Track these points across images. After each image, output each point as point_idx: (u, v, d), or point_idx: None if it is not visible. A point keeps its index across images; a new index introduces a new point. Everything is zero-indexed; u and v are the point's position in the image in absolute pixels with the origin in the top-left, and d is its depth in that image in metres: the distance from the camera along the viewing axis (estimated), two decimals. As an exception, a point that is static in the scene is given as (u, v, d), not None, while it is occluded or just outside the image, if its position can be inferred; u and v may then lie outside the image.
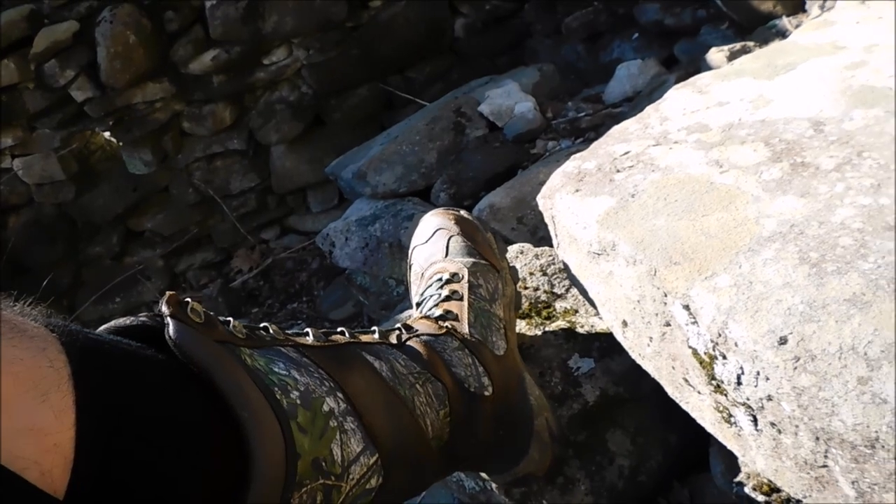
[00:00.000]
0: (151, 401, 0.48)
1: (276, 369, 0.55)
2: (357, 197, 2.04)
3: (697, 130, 0.84)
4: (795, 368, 0.56)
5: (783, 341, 0.58)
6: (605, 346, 0.94)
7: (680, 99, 0.94)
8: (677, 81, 1.57)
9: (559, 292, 1.04)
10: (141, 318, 0.52)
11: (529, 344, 0.96)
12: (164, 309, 0.51)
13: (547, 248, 1.10)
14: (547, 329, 0.99)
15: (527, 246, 1.11)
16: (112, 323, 0.53)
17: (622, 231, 0.74)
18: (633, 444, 0.87)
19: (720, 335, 0.63)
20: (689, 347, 0.68)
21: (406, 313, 1.12)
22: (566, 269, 0.92)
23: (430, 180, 1.81)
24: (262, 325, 0.61)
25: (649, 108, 0.96)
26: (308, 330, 0.65)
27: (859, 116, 0.76)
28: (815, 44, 0.94)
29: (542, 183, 1.38)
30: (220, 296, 2.88)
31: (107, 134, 2.94)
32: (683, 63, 1.80)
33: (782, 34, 1.43)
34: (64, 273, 3.01)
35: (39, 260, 2.91)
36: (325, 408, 0.56)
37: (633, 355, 0.81)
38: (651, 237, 0.72)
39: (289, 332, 0.64)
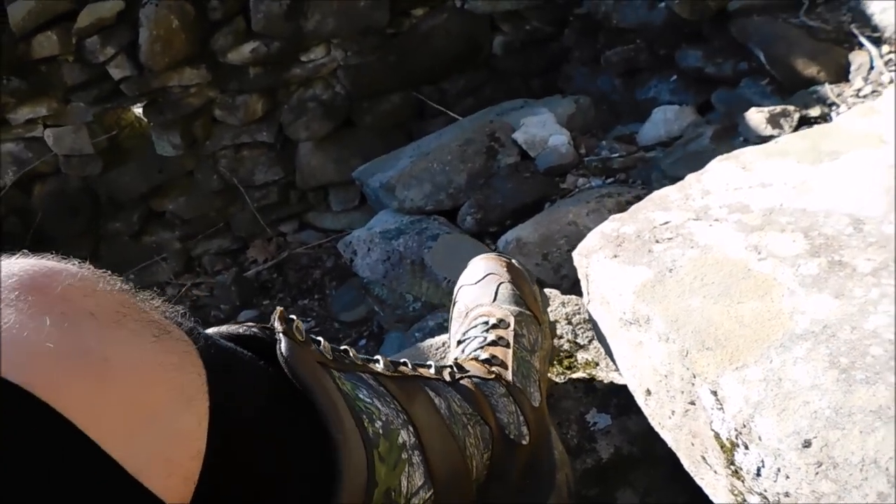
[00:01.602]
0: (266, 416, 0.52)
1: (362, 395, 0.59)
2: (382, 208, 2.07)
3: (738, 210, 0.86)
4: (817, 473, 0.59)
5: (807, 444, 0.60)
6: (622, 403, 0.96)
7: (723, 172, 0.96)
8: (714, 135, 1.59)
9: (582, 343, 1.06)
10: (253, 330, 0.56)
11: (550, 393, 0.98)
12: (278, 326, 0.55)
13: (574, 296, 1.12)
14: (567, 379, 1.01)
15: (554, 292, 1.14)
16: (226, 328, 0.57)
17: (657, 306, 0.76)
18: (642, 505, 0.89)
19: (745, 426, 0.65)
20: (712, 430, 0.70)
21: (442, 340, 1.14)
22: (591, 321, 0.94)
23: (458, 202, 1.84)
24: (342, 347, 0.64)
25: (691, 178, 0.98)
26: (378, 357, 0.68)
27: (899, 220, 0.77)
28: (860, 133, 0.96)
29: (571, 223, 1.41)
30: (233, 284, 2.92)
31: (138, 111, 2.98)
32: (720, 112, 1.82)
33: (823, 101, 1.45)
34: (82, 246, 3.04)
35: (60, 230, 2.95)
36: (400, 440, 0.59)
37: (653, 422, 0.84)
38: (685, 317, 0.74)
39: (361, 356, 0.67)
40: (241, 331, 0.56)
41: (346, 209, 3.07)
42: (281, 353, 0.53)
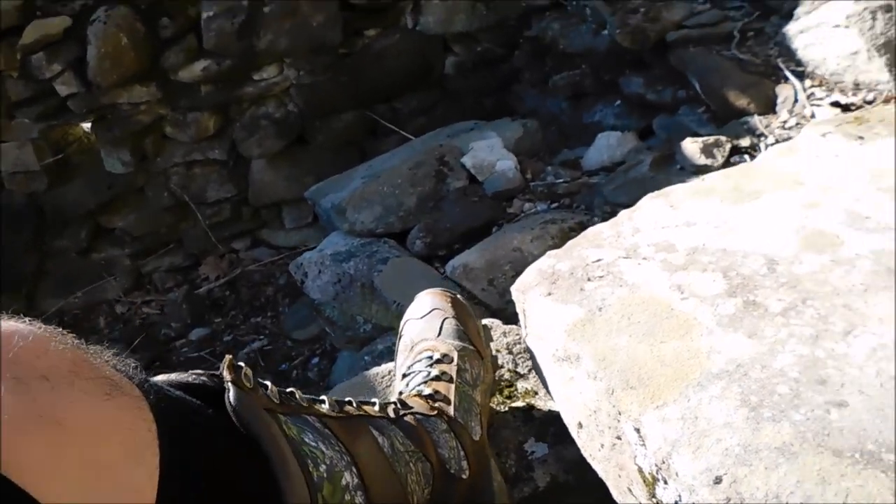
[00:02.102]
0: (216, 464, 0.54)
1: (307, 440, 0.61)
2: (333, 228, 2.08)
3: (665, 249, 0.91)
4: (727, 509, 0.63)
5: (718, 480, 0.64)
6: (559, 432, 1.00)
7: (652, 210, 1.01)
8: (652, 162, 1.66)
9: (522, 372, 1.10)
10: (202, 378, 0.59)
11: (490, 423, 1.01)
12: (226, 374, 0.57)
13: (515, 326, 1.16)
14: (508, 408, 1.04)
15: (496, 322, 1.17)
16: (176, 377, 0.59)
17: (587, 345, 0.80)
18: (577, 531, 0.93)
19: (664, 462, 0.69)
20: (636, 464, 0.74)
21: (388, 369, 1.17)
22: (529, 351, 0.98)
23: (408, 224, 1.87)
24: (288, 389, 0.67)
25: (623, 215, 1.02)
26: (324, 398, 0.71)
27: (808, 261, 0.83)
28: (779, 173, 1.02)
29: (516, 249, 1.45)
30: (184, 302, 2.89)
31: (86, 126, 2.93)
32: (661, 138, 1.89)
33: (753, 132, 1.52)
34: (27, 262, 2.97)
35: (3, 247, 2.88)
36: (344, 482, 0.62)
37: (585, 454, 0.88)
38: (612, 355, 0.78)
39: (306, 396, 0.70)
40: (190, 379, 0.58)
41: (299, 226, 3.07)
42: (229, 402, 0.56)
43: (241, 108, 2.84)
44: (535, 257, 1.52)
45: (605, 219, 1.60)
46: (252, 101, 2.83)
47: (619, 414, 0.75)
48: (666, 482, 0.69)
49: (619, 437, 0.77)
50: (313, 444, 0.62)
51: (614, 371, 0.76)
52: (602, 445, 0.81)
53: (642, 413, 0.72)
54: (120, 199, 2.97)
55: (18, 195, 2.87)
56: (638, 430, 0.72)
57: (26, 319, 0.49)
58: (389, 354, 1.65)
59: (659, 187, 1.35)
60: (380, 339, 1.63)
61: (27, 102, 2.64)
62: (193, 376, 0.59)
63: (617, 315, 0.83)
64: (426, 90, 2.92)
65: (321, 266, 1.90)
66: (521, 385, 1.08)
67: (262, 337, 2.74)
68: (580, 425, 0.85)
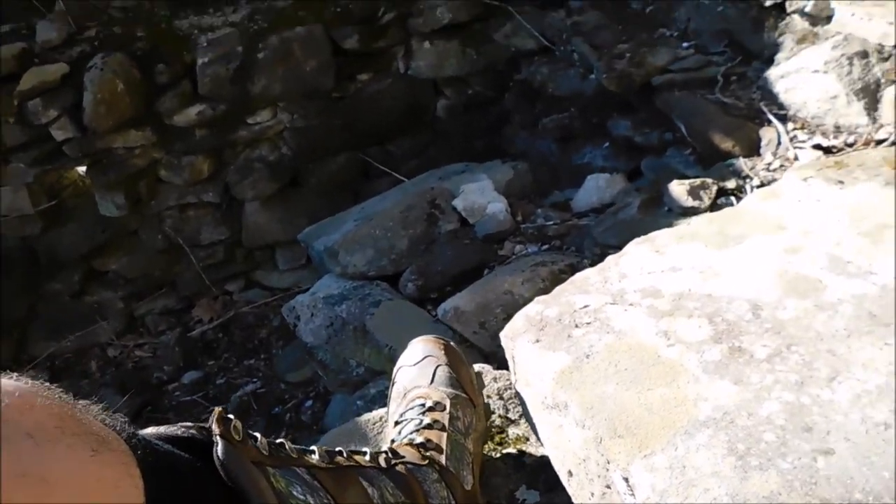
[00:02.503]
0: None
1: (295, 493, 0.62)
2: (326, 271, 2.09)
3: (651, 295, 0.92)
4: (716, 560, 0.63)
5: (708, 531, 0.64)
6: (550, 479, 1.00)
7: (638, 255, 1.02)
8: (641, 204, 1.68)
9: (513, 418, 1.10)
10: (191, 431, 0.59)
11: (481, 470, 1.01)
12: (215, 428, 0.58)
13: (505, 371, 1.16)
14: (498, 455, 1.04)
15: (487, 367, 1.17)
16: (164, 429, 0.59)
17: (575, 393, 0.81)
18: (569, 581, 0.92)
19: (653, 512, 0.69)
20: (626, 513, 0.74)
21: (380, 415, 1.16)
22: (519, 396, 0.98)
23: (400, 267, 1.88)
24: (278, 441, 0.68)
25: (610, 260, 1.04)
26: (314, 448, 0.72)
27: (792, 306, 0.84)
28: (762, 218, 1.03)
29: (507, 292, 1.45)
30: (177, 344, 2.87)
31: (81, 170, 2.95)
32: (649, 179, 1.92)
33: (739, 174, 1.55)
34: (18, 306, 2.96)
35: (-5, 290, 2.87)
36: None
37: (576, 501, 0.87)
38: (600, 404, 0.78)
39: (296, 447, 0.70)
40: (179, 433, 0.59)
41: (292, 267, 3.08)
42: (217, 456, 0.56)
43: (235, 152, 2.88)
44: (526, 300, 1.53)
45: (594, 261, 1.62)
46: (246, 145, 2.86)
47: (608, 463, 0.75)
48: (655, 533, 0.69)
49: (608, 486, 0.77)
50: (301, 497, 0.62)
51: (602, 419, 0.77)
52: (592, 494, 0.81)
53: (630, 462, 0.72)
54: (114, 242, 2.97)
55: (12, 239, 2.88)
56: (626, 480, 0.72)
57: (13, 375, 0.49)
58: (382, 399, 1.64)
59: (648, 229, 1.36)
60: (372, 383, 1.63)
61: (23, 147, 2.66)
62: (182, 430, 0.59)
63: (604, 362, 0.83)
64: (418, 132, 2.96)
65: (314, 309, 1.90)
66: (511, 431, 1.07)
67: (255, 380, 2.72)
68: (570, 473, 0.85)
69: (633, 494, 0.72)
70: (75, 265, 2.99)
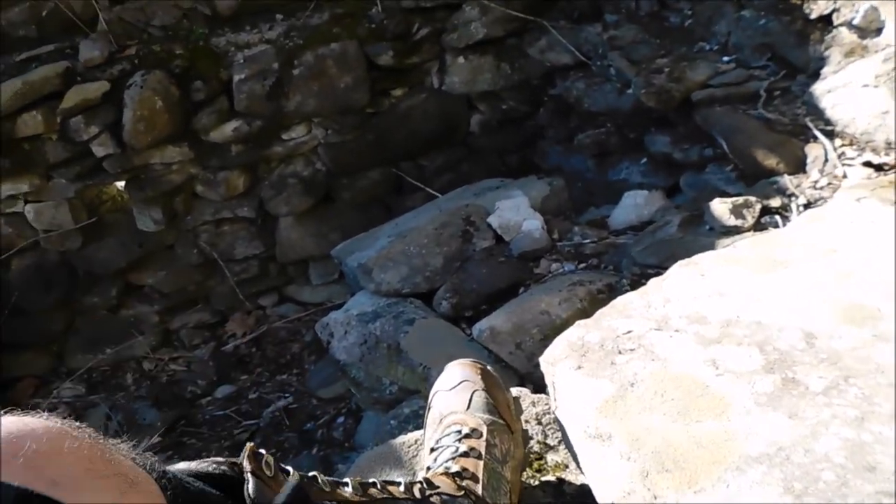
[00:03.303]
0: None
1: None
2: (359, 287, 2.08)
3: (697, 321, 0.89)
4: None
5: (763, 575, 0.61)
6: (592, 509, 0.97)
7: (683, 279, 0.99)
8: (681, 223, 1.64)
9: (552, 444, 1.07)
10: (223, 468, 0.58)
11: (519, 499, 0.98)
12: (246, 465, 0.57)
13: (544, 395, 1.14)
14: (537, 483, 1.01)
15: (524, 391, 1.15)
16: (196, 465, 0.59)
17: (619, 424, 0.78)
18: None
19: (705, 552, 0.66)
20: (675, 552, 0.71)
21: (414, 438, 1.14)
22: (559, 422, 0.95)
23: (434, 285, 1.86)
24: (311, 473, 0.66)
25: (653, 284, 1.01)
26: (348, 480, 0.70)
27: (848, 335, 0.80)
28: (809, 241, 1.00)
29: (543, 312, 1.42)
30: (211, 359, 2.89)
31: (120, 185, 3.00)
32: (688, 196, 1.88)
33: (783, 192, 1.50)
34: (57, 319, 3.01)
35: (35, 304, 2.92)
36: None
37: (620, 535, 0.84)
38: (646, 436, 0.75)
39: (329, 479, 0.69)
40: (210, 469, 0.58)
41: (325, 282, 3.08)
42: (248, 494, 0.55)
43: (270, 167, 2.90)
44: (563, 320, 1.50)
45: (633, 281, 1.59)
46: (280, 160, 2.88)
47: (655, 498, 0.72)
48: (707, 574, 0.66)
49: (655, 522, 0.74)
50: None
51: (648, 452, 0.74)
52: (637, 529, 0.78)
53: (679, 498, 0.69)
54: (150, 256, 3.01)
55: (52, 253, 2.93)
56: (676, 517, 0.69)
57: (45, 414, 0.49)
58: (416, 419, 1.62)
59: (688, 249, 1.33)
60: (406, 403, 1.61)
61: (64, 163, 2.71)
62: (213, 466, 0.58)
63: (649, 392, 0.80)
64: (451, 148, 2.95)
65: (347, 326, 1.89)
66: (550, 458, 1.05)
67: (287, 395, 2.72)
68: (614, 506, 0.82)
69: (682, 533, 0.69)
70: (112, 279, 3.03)
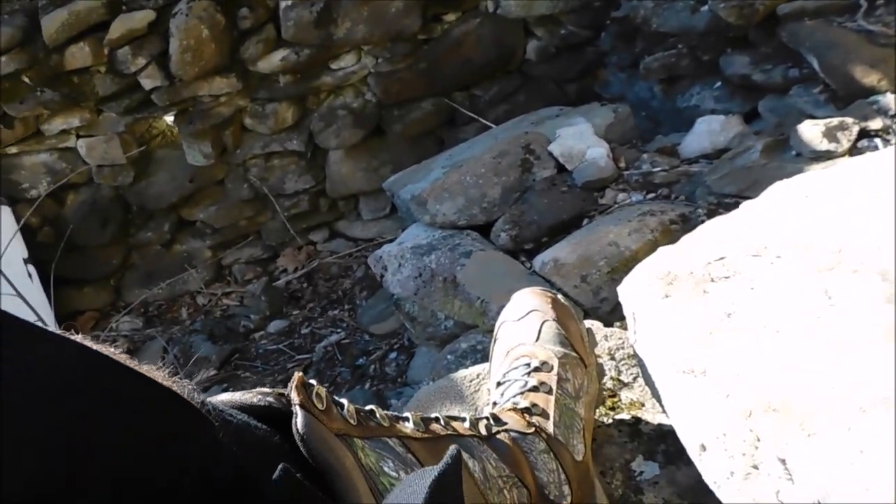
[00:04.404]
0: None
1: (386, 469, 0.54)
2: (413, 220, 2.01)
3: (803, 247, 0.79)
4: (911, 567, 0.51)
5: (897, 531, 0.53)
6: (671, 451, 0.89)
7: (781, 202, 0.88)
8: (764, 148, 1.50)
9: (626, 380, 0.99)
10: (269, 399, 0.52)
11: (592, 438, 0.91)
12: (294, 397, 0.51)
13: (617, 329, 1.06)
14: (610, 421, 0.94)
15: (596, 324, 1.07)
16: (240, 396, 0.53)
17: (715, 358, 0.69)
18: (693, 565, 0.82)
19: (820, 503, 0.58)
20: (779, 500, 0.63)
21: (476, 372, 1.08)
22: (636, 358, 0.87)
23: (492, 216, 1.78)
24: (368, 407, 0.60)
25: (746, 207, 0.90)
26: (408, 415, 0.64)
27: None
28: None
29: (611, 243, 1.33)
30: (263, 294, 2.89)
31: (169, 120, 2.97)
32: (769, 122, 1.73)
33: (885, 113, 1.35)
34: (114, 254, 3.05)
35: (91, 240, 2.95)
36: None
37: (708, 480, 0.76)
38: (747, 372, 0.67)
39: (388, 413, 0.63)
40: (255, 401, 0.52)
41: (376, 217, 3.03)
42: (296, 428, 0.49)
43: (319, 99, 2.82)
44: (633, 252, 1.40)
45: (709, 210, 1.47)
46: (329, 91, 2.80)
47: (758, 440, 0.63)
48: (822, 526, 0.58)
49: (755, 467, 0.65)
50: (394, 473, 0.54)
51: (752, 389, 0.65)
52: (732, 473, 0.70)
53: (789, 442, 0.60)
54: (201, 191, 3.00)
55: (105, 189, 2.94)
56: (784, 462, 0.60)
57: (87, 337, 0.43)
58: (473, 354, 1.57)
59: (773, 176, 1.21)
60: (463, 338, 1.55)
61: (114, 97, 2.69)
62: (259, 397, 0.52)
63: (751, 323, 0.71)
64: (507, 77, 2.81)
65: (401, 260, 1.83)
66: (625, 395, 0.97)
67: (339, 330, 2.71)
68: (703, 447, 0.74)
69: (791, 479, 0.60)
70: (165, 215, 3.04)
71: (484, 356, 1.37)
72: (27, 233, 2.80)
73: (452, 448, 0.52)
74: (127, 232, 3.03)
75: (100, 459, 0.36)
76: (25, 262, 2.75)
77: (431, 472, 0.42)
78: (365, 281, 2.87)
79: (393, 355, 2.45)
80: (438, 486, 0.40)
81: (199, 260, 3.09)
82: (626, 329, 1.01)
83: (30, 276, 2.75)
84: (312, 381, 0.53)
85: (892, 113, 1.33)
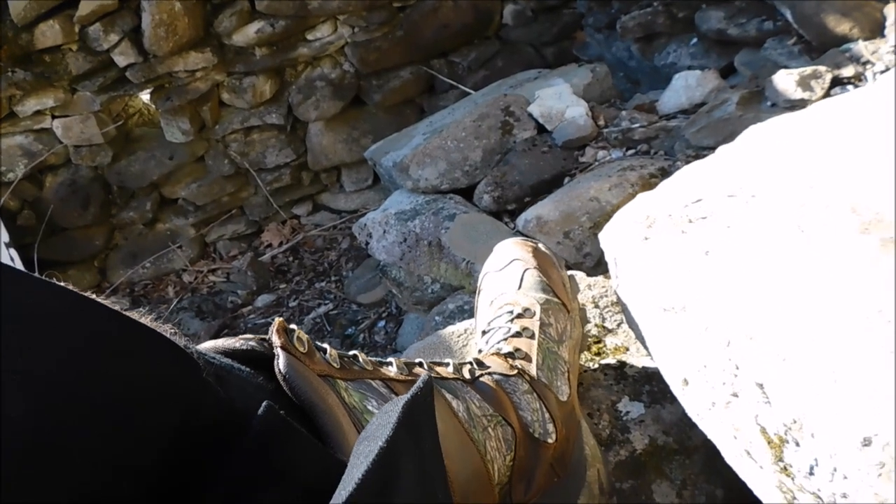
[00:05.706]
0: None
1: (370, 407, 0.55)
2: (396, 187, 2.02)
3: (777, 185, 0.81)
4: (879, 475, 0.54)
5: (867, 443, 0.55)
6: (655, 391, 0.92)
7: (755, 144, 0.90)
8: (740, 100, 1.52)
9: (610, 327, 1.02)
10: (251, 343, 0.53)
11: (579, 382, 0.94)
12: (275, 339, 0.52)
13: (600, 278, 1.08)
14: (596, 366, 0.97)
15: (580, 274, 1.09)
16: (223, 343, 0.53)
17: (694, 295, 0.72)
18: (679, 497, 0.86)
19: (795, 422, 0.60)
20: (758, 424, 0.66)
21: (464, 327, 1.10)
22: (620, 304, 0.90)
23: (474, 179, 1.79)
24: (351, 353, 0.61)
25: (723, 150, 0.92)
26: (391, 360, 0.65)
27: (955, 190, 0.72)
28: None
29: (592, 199, 1.35)
30: (249, 269, 2.89)
31: (146, 98, 2.94)
32: (744, 76, 1.74)
33: (857, 60, 1.37)
34: (96, 235, 3.03)
35: (73, 221, 2.93)
36: None
37: (691, 413, 0.79)
38: (726, 305, 0.69)
39: (372, 358, 0.64)
40: (237, 345, 0.53)
41: (359, 189, 3.03)
42: (279, 369, 0.50)
43: (297, 71, 2.80)
44: (615, 207, 1.42)
45: (688, 163, 1.49)
46: (307, 63, 2.78)
47: (737, 368, 0.66)
48: (798, 444, 0.60)
49: (734, 395, 0.68)
50: (377, 412, 0.55)
51: (730, 320, 0.67)
52: (713, 403, 0.72)
53: (767, 367, 0.63)
54: (181, 168, 2.98)
55: (85, 169, 2.91)
56: (761, 386, 0.63)
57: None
58: (461, 314, 1.59)
59: (750, 127, 1.23)
60: (450, 299, 1.57)
61: (88, 75, 2.65)
62: (241, 342, 0.53)
63: (729, 259, 0.73)
64: (485, 42, 2.81)
65: (385, 226, 1.84)
66: (610, 341, 1.00)
67: (327, 301, 2.72)
68: (685, 381, 0.77)
69: (768, 402, 0.63)
70: (146, 194, 3.02)
71: (471, 316, 1.39)
72: (7, 216, 2.77)
73: (424, 374, 0.54)
74: (109, 212, 3.01)
75: (88, 397, 0.36)
76: (7, 246, 2.73)
77: (403, 397, 0.43)
78: (350, 252, 2.88)
79: (381, 324, 2.47)
80: (410, 409, 0.41)
81: (183, 238, 3.08)
82: (609, 279, 1.03)
83: (11, 259, 2.72)
84: (293, 326, 0.54)
85: (863, 60, 1.35)
